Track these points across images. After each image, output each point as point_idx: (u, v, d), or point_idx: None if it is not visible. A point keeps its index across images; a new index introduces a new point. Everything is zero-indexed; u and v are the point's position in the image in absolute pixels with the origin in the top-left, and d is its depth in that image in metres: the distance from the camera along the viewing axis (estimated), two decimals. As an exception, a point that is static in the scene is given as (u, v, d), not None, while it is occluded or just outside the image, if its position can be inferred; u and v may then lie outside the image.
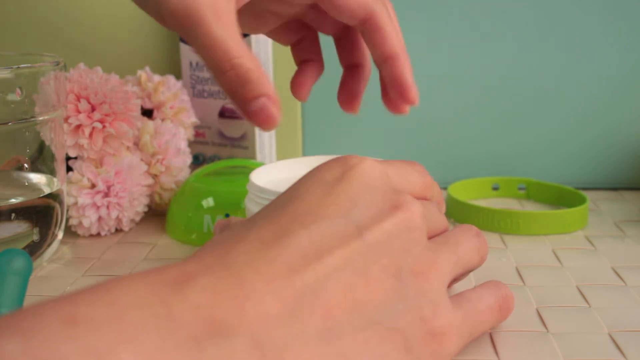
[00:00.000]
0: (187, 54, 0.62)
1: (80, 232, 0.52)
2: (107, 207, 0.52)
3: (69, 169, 0.52)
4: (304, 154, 0.65)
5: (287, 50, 0.48)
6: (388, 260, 0.31)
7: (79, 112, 0.50)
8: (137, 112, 0.53)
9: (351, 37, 0.45)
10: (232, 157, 0.62)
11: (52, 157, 0.48)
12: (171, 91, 0.59)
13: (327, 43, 0.46)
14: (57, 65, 0.46)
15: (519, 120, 0.63)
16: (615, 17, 0.61)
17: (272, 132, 0.62)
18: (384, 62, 0.42)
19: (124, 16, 0.65)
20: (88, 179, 0.51)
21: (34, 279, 0.45)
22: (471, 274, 0.46)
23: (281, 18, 0.45)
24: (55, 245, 0.48)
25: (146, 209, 0.55)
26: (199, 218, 0.51)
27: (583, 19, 0.61)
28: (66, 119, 0.50)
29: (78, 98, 0.51)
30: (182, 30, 0.38)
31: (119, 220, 0.53)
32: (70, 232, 0.53)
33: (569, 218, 0.53)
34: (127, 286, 0.26)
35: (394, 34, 0.42)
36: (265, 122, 0.38)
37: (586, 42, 0.62)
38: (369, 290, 0.30)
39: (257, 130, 0.59)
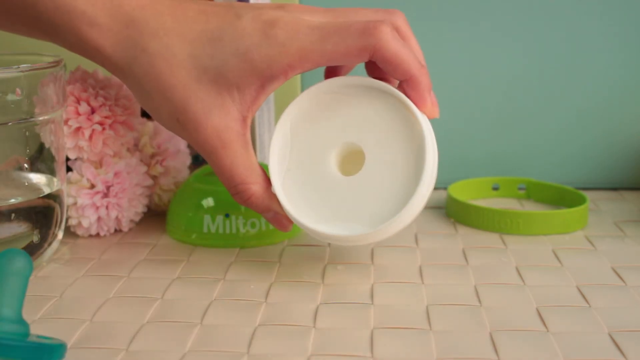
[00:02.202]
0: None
1: (79, 232, 0.52)
2: (107, 207, 0.52)
3: (68, 169, 0.52)
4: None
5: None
6: None
7: (78, 114, 0.50)
8: (137, 114, 0.53)
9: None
10: (232, 158, 0.62)
11: (52, 158, 0.48)
12: (171, 91, 0.59)
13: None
14: (57, 65, 0.46)
15: (519, 120, 0.63)
16: (615, 18, 0.61)
17: (272, 131, 0.62)
18: (401, 83, 0.43)
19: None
20: (87, 179, 0.51)
21: (34, 279, 0.45)
22: (471, 273, 0.46)
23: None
24: (55, 245, 0.48)
25: (145, 210, 0.55)
26: (199, 218, 0.51)
27: (583, 19, 0.61)
28: (66, 122, 0.50)
29: (78, 100, 0.51)
30: (200, 153, 0.44)
31: (118, 220, 0.53)
32: (69, 232, 0.53)
33: (569, 218, 0.53)
34: None
35: (404, 56, 0.41)
36: (280, 228, 0.45)
37: (586, 42, 0.62)
38: None
39: (257, 130, 0.59)
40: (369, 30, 0.41)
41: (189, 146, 0.60)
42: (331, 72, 0.46)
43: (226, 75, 0.42)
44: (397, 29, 0.44)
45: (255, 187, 0.43)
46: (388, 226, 0.41)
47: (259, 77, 0.42)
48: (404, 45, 0.41)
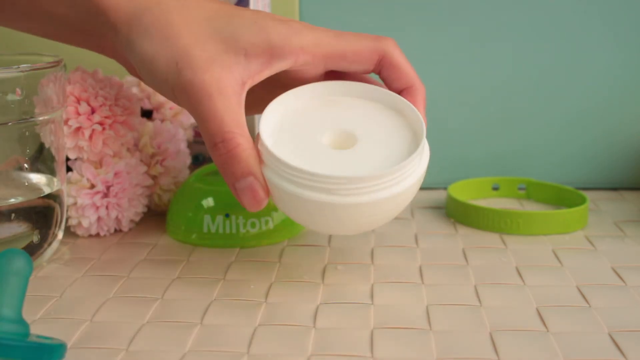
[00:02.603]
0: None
1: (79, 232, 0.52)
2: (107, 207, 0.52)
3: (68, 169, 0.52)
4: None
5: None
6: None
7: (78, 114, 0.50)
8: (137, 115, 0.53)
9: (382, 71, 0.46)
10: (232, 158, 0.62)
11: (52, 158, 0.48)
12: (171, 91, 0.59)
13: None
14: (57, 65, 0.46)
15: (519, 120, 0.63)
16: (615, 18, 0.61)
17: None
18: (401, 92, 0.45)
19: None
20: (87, 179, 0.51)
21: (34, 279, 0.45)
22: (471, 273, 0.46)
23: (301, 82, 0.45)
24: (55, 245, 0.48)
25: (145, 210, 0.55)
26: (199, 218, 0.51)
27: (583, 20, 0.61)
28: (66, 122, 0.50)
29: (78, 100, 0.51)
30: (189, 104, 0.41)
31: (118, 220, 0.53)
32: (69, 232, 0.53)
33: (569, 218, 0.53)
34: None
35: (409, 66, 0.44)
36: (251, 201, 0.40)
37: (586, 42, 0.62)
38: None
39: (256, 130, 0.59)
40: (379, 37, 0.44)
41: (188, 146, 0.61)
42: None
43: (238, 40, 0.42)
44: None
45: (243, 138, 0.40)
46: (389, 174, 0.39)
47: (269, 52, 0.42)
48: (408, 60, 0.45)
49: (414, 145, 0.42)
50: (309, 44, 0.42)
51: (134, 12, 0.43)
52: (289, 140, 0.42)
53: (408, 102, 0.43)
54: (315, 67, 0.44)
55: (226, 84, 0.41)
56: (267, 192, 0.40)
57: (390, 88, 0.45)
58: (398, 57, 0.44)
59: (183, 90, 0.41)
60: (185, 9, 0.43)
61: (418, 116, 0.42)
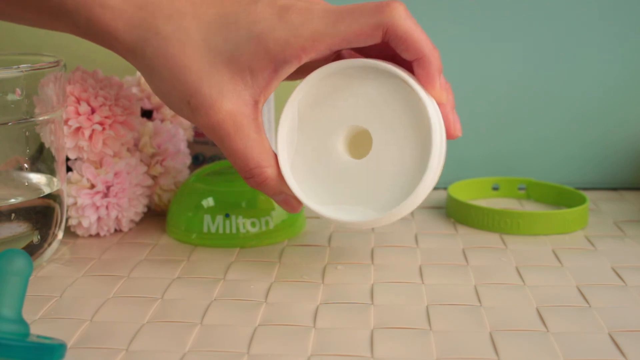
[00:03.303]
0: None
1: (79, 232, 0.52)
2: (107, 207, 0.52)
3: (68, 169, 0.52)
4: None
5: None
6: None
7: (78, 114, 0.50)
8: (137, 115, 0.53)
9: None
10: (232, 158, 0.62)
11: (52, 158, 0.48)
12: (171, 91, 0.59)
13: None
14: (57, 65, 0.46)
15: (519, 120, 0.63)
16: (615, 18, 0.61)
17: (272, 130, 0.62)
18: (412, 63, 0.42)
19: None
20: (87, 179, 0.51)
21: (34, 279, 0.45)
22: (471, 273, 0.46)
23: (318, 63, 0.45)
24: (55, 245, 0.48)
25: (145, 210, 0.55)
26: (199, 218, 0.51)
27: (583, 20, 0.61)
28: (66, 122, 0.50)
29: (78, 100, 0.51)
30: (211, 139, 0.44)
31: (118, 220, 0.53)
32: (69, 232, 0.53)
33: (569, 218, 0.53)
34: None
35: (416, 34, 0.41)
36: (288, 209, 0.45)
37: (586, 42, 0.62)
38: None
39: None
40: (381, 7, 0.41)
41: (188, 146, 0.61)
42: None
43: (239, 58, 0.42)
44: None
45: (269, 170, 0.43)
46: (396, 212, 0.41)
47: (272, 61, 0.42)
48: (417, 24, 0.41)
49: (428, 143, 0.41)
50: (308, 41, 0.41)
51: (135, 44, 0.43)
52: (307, 156, 0.43)
53: (413, 88, 0.41)
54: (324, 55, 0.43)
55: (241, 118, 0.42)
56: (298, 201, 0.44)
57: (401, 59, 0.43)
58: (402, 27, 0.40)
59: (202, 128, 0.43)
60: (183, 32, 0.42)
61: (427, 110, 0.41)
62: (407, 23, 0.41)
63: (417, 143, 0.41)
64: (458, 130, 0.44)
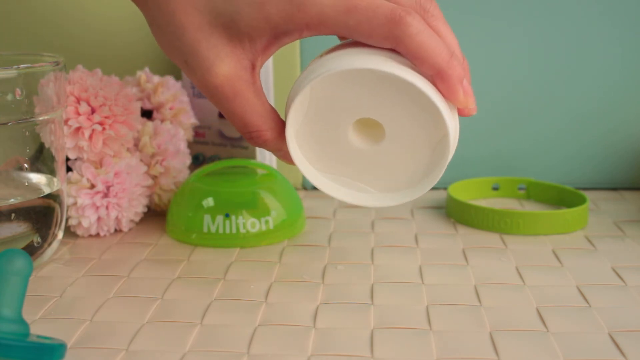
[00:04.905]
0: (187, 54, 0.62)
1: (79, 232, 0.52)
2: (107, 207, 0.52)
3: (68, 169, 0.52)
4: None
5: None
6: None
7: (78, 114, 0.50)
8: (137, 115, 0.53)
9: None
10: (232, 157, 0.62)
11: (52, 158, 0.48)
12: (170, 92, 0.59)
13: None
14: (57, 65, 0.46)
15: (519, 120, 0.63)
16: (616, 18, 0.61)
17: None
18: (431, 77, 0.39)
19: (124, 16, 0.65)
20: (87, 179, 0.51)
21: (34, 279, 0.45)
22: (471, 273, 0.46)
23: None
24: (55, 245, 0.48)
25: (145, 210, 0.55)
26: (199, 218, 0.51)
27: (583, 20, 0.61)
28: (66, 122, 0.50)
29: (78, 100, 0.51)
30: (210, 101, 0.43)
31: (118, 220, 0.53)
32: (69, 232, 0.53)
33: (569, 218, 0.53)
34: None
35: (429, 49, 0.38)
36: (290, 163, 0.43)
37: (587, 42, 0.62)
38: None
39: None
40: (395, 19, 0.38)
41: (188, 146, 0.61)
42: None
43: (239, 23, 0.41)
44: (425, 12, 0.41)
45: (269, 133, 0.42)
46: (397, 199, 0.41)
47: (272, 29, 0.41)
48: (431, 35, 0.39)
49: (441, 152, 0.40)
50: (312, 21, 0.40)
51: None
52: (314, 132, 0.41)
53: (430, 100, 0.39)
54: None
55: (240, 83, 0.41)
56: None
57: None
58: (414, 44, 0.38)
59: (200, 89, 0.42)
60: None
61: (445, 122, 0.39)
62: (419, 38, 0.38)
63: (428, 149, 0.40)
64: (470, 102, 0.41)
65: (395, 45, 0.39)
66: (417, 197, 0.41)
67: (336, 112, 0.41)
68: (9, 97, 0.43)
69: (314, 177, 0.42)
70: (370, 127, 0.42)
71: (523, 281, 0.44)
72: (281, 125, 0.43)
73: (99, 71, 0.54)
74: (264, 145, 0.43)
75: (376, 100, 0.40)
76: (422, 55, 0.39)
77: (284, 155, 0.43)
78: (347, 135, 0.41)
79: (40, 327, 0.39)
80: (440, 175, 0.40)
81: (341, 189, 0.42)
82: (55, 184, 0.48)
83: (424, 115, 0.40)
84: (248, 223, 0.51)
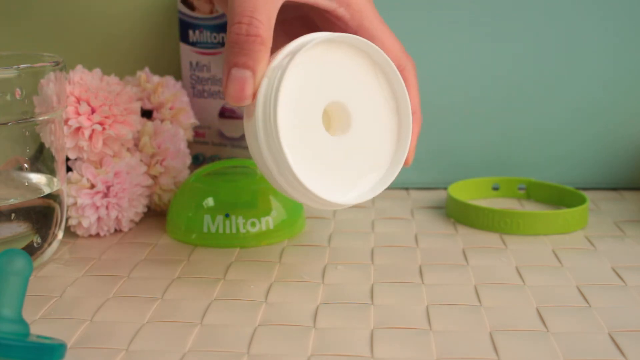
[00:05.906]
0: (187, 54, 0.62)
1: (79, 232, 0.52)
2: (107, 207, 0.52)
3: (68, 169, 0.52)
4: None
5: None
6: None
7: (78, 114, 0.50)
8: (137, 115, 0.53)
9: None
10: (232, 157, 0.62)
11: (52, 158, 0.48)
12: (171, 92, 0.59)
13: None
14: (57, 65, 0.46)
15: (518, 119, 0.63)
16: (615, 17, 0.61)
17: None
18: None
19: (124, 16, 0.65)
20: (87, 179, 0.51)
21: (34, 279, 0.45)
22: (471, 273, 0.46)
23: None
24: (55, 245, 0.48)
25: (145, 210, 0.55)
26: (199, 218, 0.51)
27: (583, 19, 0.61)
28: (66, 121, 0.50)
29: (78, 100, 0.51)
30: None
31: (118, 220, 0.53)
32: (69, 232, 0.53)
33: (569, 218, 0.53)
34: None
35: (415, 93, 0.46)
36: (236, 94, 0.38)
37: (586, 41, 0.62)
38: None
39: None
40: (405, 54, 0.46)
41: (188, 146, 0.61)
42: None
43: None
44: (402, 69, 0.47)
45: (267, 34, 0.38)
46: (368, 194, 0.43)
47: None
48: (415, 85, 0.47)
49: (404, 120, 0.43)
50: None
51: None
52: (290, 111, 0.40)
53: (391, 67, 0.43)
54: (344, 24, 0.44)
55: None
56: (254, 96, 0.39)
57: None
58: (411, 78, 0.46)
59: None
60: None
61: (404, 90, 0.43)
62: (413, 81, 0.46)
63: (394, 120, 0.43)
64: (409, 159, 0.46)
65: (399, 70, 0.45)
66: (391, 180, 0.43)
67: (312, 94, 0.41)
68: (9, 97, 0.43)
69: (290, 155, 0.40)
70: (336, 118, 0.43)
71: (523, 281, 0.44)
72: (270, 45, 0.40)
73: (99, 71, 0.54)
74: (251, 38, 0.38)
75: (339, 75, 0.42)
76: (411, 92, 0.46)
77: (243, 78, 0.38)
78: (318, 127, 0.42)
79: (40, 327, 0.39)
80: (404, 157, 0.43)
81: (317, 181, 0.41)
82: (55, 184, 0.48)
83: (383, 86, 0.43)
84: (248, 223, 0.51)
